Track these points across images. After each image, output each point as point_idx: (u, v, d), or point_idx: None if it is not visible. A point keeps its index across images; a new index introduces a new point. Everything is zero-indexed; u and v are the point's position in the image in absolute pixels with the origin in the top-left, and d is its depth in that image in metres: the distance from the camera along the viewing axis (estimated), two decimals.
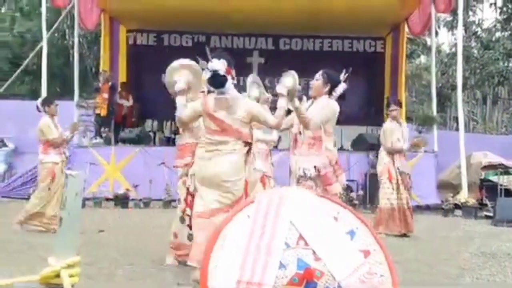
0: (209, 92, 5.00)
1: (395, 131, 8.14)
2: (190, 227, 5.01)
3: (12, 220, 7.65)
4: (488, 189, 11.31)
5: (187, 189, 5.07)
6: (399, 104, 8.51)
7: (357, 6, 12.52)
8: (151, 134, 14.11)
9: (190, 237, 5.07)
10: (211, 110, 4.73)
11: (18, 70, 15.32)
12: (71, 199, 1.69)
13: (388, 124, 8.36)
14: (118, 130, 13.22)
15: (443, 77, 24.24)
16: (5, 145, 13.84)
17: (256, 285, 2.95)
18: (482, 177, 11.87)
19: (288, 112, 5.19)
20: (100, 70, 14.32)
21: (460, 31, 13.39)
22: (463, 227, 9.00)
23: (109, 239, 6.94)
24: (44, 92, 12.15)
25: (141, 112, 14.26)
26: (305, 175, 5.03)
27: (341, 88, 5.33)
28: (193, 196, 4.94)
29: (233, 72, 4.79)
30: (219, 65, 4.68)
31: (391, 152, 8.12)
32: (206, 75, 4.82)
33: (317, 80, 5.32)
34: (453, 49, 25.57)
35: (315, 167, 5.03)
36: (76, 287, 1.89)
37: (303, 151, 5.14)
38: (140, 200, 11.02)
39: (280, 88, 4.85)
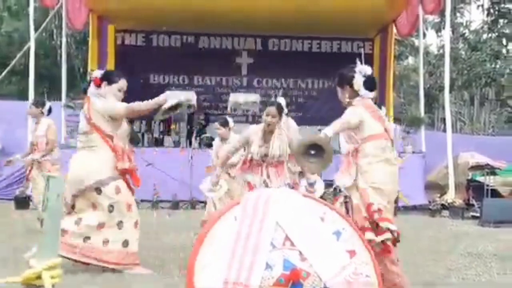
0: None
1: None
2: None
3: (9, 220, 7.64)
4: (475, 189, 11.36)
5: None
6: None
7: (345, 8, 12.54)
8: (139, 135, 14.06)
9: (125, 244, 5.00)
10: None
11: (6, 70, 15.20)
12: (52, 201, 1.68)
13: None
14: None
15: (431, 78, 24.37)
16: None
17: (242, 286, 2.95)
18: (469, 177, 11.92)
19: None
20: (88, 70, 14.25)
21: (447, 32, 13.47)
22: (450, 228, 9.04)
23: None
24: (31, 93, 12.07)
25: None
26: None
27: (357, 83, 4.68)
28: None
29: None
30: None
31: None
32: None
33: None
34: (441, 51, 25.69)
35: None
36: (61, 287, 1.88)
37: None
38: None
39: None
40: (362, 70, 4.57)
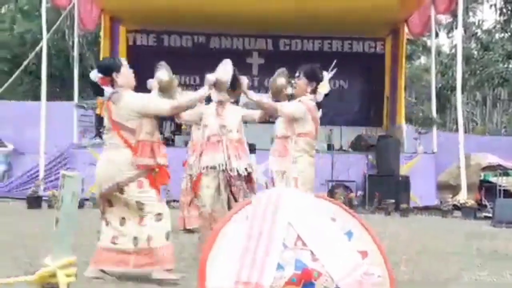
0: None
1: None
2: None
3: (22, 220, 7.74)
4: (487, 190, 11.31)
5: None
6: None
7: (357, 7, 12.51)
8: None
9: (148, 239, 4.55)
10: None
11: (18, 71, 15.30)
12: (67, 200, 1.69)
13: None
14: None
15: (443, 78, 24.23)
16: (4, 145, 13.84)
17: (254, 286, 2.95)
18: (481, 178, 11.86)
19: None
20: None
21: (459, 32, 13.38)
22: (462, 228, 8.99)
23: None
24: (44, 93, 12.15)
25: None
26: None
27: (325, 87, 5.34)
28: None
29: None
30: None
31: None
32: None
33: (299, 78, 5.32)
34: (453, 50, 25.56)
35: None
36: (71, 287, 1.89)
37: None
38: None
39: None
40: (327, 77, 5.36)
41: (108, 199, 4.73)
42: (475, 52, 25.33)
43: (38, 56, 13.91)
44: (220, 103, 5.68)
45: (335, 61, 5.61)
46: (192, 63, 15.07)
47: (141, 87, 5.45)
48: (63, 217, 1.72)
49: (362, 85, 15.65)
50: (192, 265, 5.16)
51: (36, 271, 1.83)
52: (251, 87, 17.10)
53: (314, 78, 5.28)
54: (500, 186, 10.67)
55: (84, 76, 17.85)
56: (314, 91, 5.27)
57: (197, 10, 12.89)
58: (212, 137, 5.55)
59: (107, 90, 4.78)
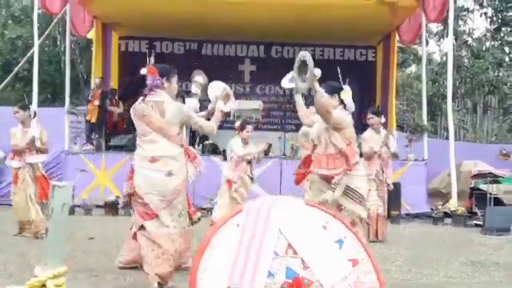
0: None
1: (369, 139, 8.30)
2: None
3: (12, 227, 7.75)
4: (478, 197, 11.35)
5: None
6: (378, 113, 8.62)
7: (348, 15, 12.56)
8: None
9: None
10: None
11: (9, 77, 15.26)
12: (57, 210, 1.69)
13: (366, 132, 8.48)
14: (109, 137, 13.16)
15: (434, 86, 24.36)
16: None
17: None
18: (472, 185, 11.91)
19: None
20: (92, 76, 14.29)
21: (450, 40, 13.43)
22: (452, 236, 9.03)
23: (99, 246, 6.91)
24: (35, 99, 12.10)
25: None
26: None
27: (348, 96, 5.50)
28: None
29: None
30: None
31: (368, 158, 8.21)
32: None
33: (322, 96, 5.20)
34: (444, 58, 25.69)
35: None
36: None
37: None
38: (131, 207, 10.95)
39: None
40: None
41: None
42: (466, 60, 25.48)
43: (30, 62, 13.88)
44: None
45: (338, 68, 5.67)
46: (184, 70, 15.02)
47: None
48: (54, 227, 1.71)
49: (353, 92, 15.64)
50: (182, 273, 5.15)
51: (27, 281, 1.82)
52: (243, 94, 17.07)
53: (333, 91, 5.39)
54: (490, 194, 10.70)
55: (75, 82, 17.84)
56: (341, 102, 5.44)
57: (189, 17, 12.90)
58: None
59: None
